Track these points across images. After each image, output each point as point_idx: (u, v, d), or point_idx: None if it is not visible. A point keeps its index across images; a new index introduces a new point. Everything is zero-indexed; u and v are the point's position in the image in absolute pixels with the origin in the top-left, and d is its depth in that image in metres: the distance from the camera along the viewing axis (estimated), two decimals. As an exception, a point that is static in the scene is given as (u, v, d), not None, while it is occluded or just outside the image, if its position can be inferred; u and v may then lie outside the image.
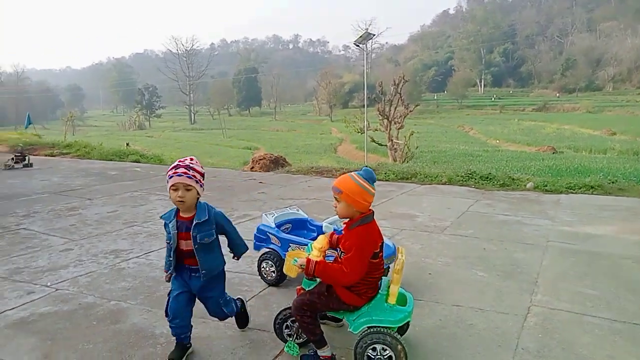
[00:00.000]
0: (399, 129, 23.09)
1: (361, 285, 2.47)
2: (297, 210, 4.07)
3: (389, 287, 2.50)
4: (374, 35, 30.21)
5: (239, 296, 2.99)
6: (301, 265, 2.41)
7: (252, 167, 11.88)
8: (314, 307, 2.52)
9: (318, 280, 2.52)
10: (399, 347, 2.36)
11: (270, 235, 3.72)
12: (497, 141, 39.56)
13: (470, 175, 8.43)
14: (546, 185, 7.76)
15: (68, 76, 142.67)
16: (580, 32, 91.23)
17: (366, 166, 2.61)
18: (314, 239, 3.13)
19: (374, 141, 22.91)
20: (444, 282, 3.76)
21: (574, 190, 7.56)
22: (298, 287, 2.67)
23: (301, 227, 3.96)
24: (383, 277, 2.61)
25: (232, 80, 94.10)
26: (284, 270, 2.56)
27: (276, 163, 12.19)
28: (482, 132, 46.27)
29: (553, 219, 5.77)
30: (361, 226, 2.43)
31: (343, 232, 2.56)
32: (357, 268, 2.38)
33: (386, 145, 23.11)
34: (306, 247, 2.77)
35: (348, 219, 2.49)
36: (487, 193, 7.51)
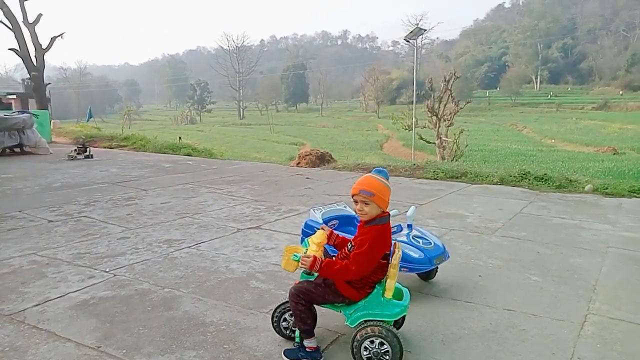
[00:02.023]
0: (448, 126, 22.55)
1: (362, 281, 2.50)
2: (345, 207, 4.07)
3: (385, 281, 2.52)
4: (425, 30, 29.60)
5: None
6: (302, 262, 2.44)
7: (299, 163, 11.98)
8: (310, 296, 2.54)
9: (316, 274, 2.54)
10: (395, 340, 2.38)
11: None
12: (553, 140, 37.84)
13: (524, 176, 8.11)
14: (606, 188, 7.35)
15: (126, 72, 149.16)
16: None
17: (376, 167, 2.62)
18: None
19: (421, 138, 22.49)
20: (494, 285, 3.65)
21: (638, 194, 7.11)
22: (296, 281, 2.69)
23: (348, 224, 3.95)
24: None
25: (281, 76, 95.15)
26: (283, 266, 2.60)
27: (322, 159, 12.23)
28: (537, 131, 44.38)
29: (614, 224, 5.46)
30: (378, 225, 2.47)
31: (357, 228, 2.58)
32: (365, 263, 2.42)
33: (434, 143, 22.64)
34: (303, 242, 2.77)
35: (364, 223, 2.52)
36: (541, 195, 7.20)
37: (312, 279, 2.61)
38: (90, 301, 3.29)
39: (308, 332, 2.56)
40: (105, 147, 14.21)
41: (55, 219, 5.57)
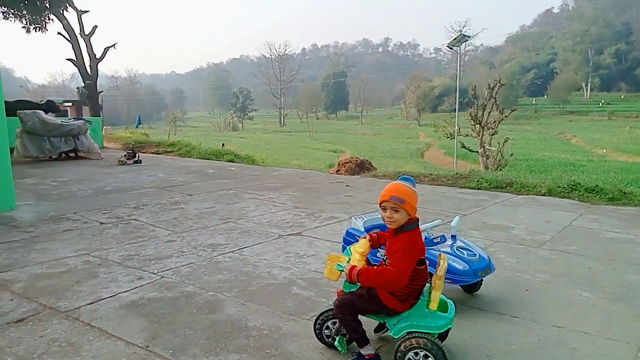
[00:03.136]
0: (492, 134, 21.98)
1: (404, 291, 2.47)
2: (387, 216, 4.04)
3: (430, 293, 2.48)
4: (469, 37, 29.11)
5: None
6: (345, 271, 2.47)
7: (338, 170, 11.99)
8: (354, 307, 2.53)
9: (359, 284, 2.52)
10: (440, 354, 2.33)
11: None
12: (604, 150, 36.14)
13: (574, 187, 7.78)
14: (665, 202, 6.94)
15: (172, 80, 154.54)
16: None
17: (400, 174, 2.59)
18: None
19: (464, 147, 22.05)
20: (542, 300, 3.52)
21: (700, 208, 6.67)
22: (338, 289, 2.69)
23: (390, 233, 3.93)
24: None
25: (321, 84, 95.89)
26: (326, 274, 2.62)
27: (362, 167, 12.20)
28: (587, 140, 42.54)
29: (673, 240, 5.15)
30: (408, 232, 2.46)
31: (387, 239, 2.57)
32: (404, 269, 2.39)
33: (477, 152, 22.12)
34: (345, 250, 2.76)
35: (392, 232, 2.51)
36: (593, 207, 6.89)
37: (355, 289, 2.60)
38: (139, 301, 3.42)
39: (361, 341, 2.56)
40: (152, 153, 14.76)
41: (106, 222, 5.83)
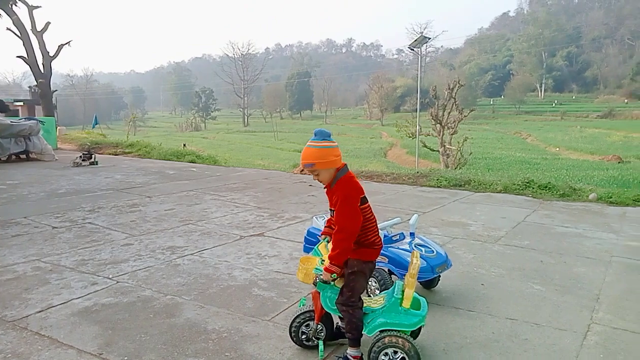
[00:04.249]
0: (452, 134, 22.56)
1: (366, 234, 2.53)
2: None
3: (403, 291, 2.51)
4: (430, 39, 29.72)
5: None
6: (324, 276, 2.49)
7: (302, 170, 12.01)
8: (357, 292, 2.54)
9: (332, 283, 2.53)
10: (413, 351, 2.37)
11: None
12: (557, 149, 37.74)
13: (528, 184, 8.09)
14: (611, 197, 7.32)
15: (132, 79, 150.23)
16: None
17: (315, 129, 2.64)
18: None
19: (425, 146, 22.52)
20: (497, 294, 3.64)
21: (643, 203, 7.07)
22: (313, 291, 2.68)
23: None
24: (399, 282, 2.65)
25: (285, 84, 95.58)
26: (300, 278, 2.62)
27: (326, 166, 12.27)
28: (541, 139, 44.28)
29: (618, 233, 5.43)
30: (340, 179, 2.52)
31: (326, 195, 2.63)
32: (350, 214, 2.45)
33: (438, 151, 22.65)
34: (313, 250, 2.77)
35: (328, 186, 2.58)
36: (545, 203, 7.18)
37: (328, 287, 2.58)
38: (92, 308, 3.30)
39: (357, 341, 2.56)
40: (110, 154, 14.30)
41: (59, 226, 5.60)
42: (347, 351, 2.57)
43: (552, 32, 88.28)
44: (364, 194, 2.57)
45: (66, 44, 20.55)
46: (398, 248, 3.48)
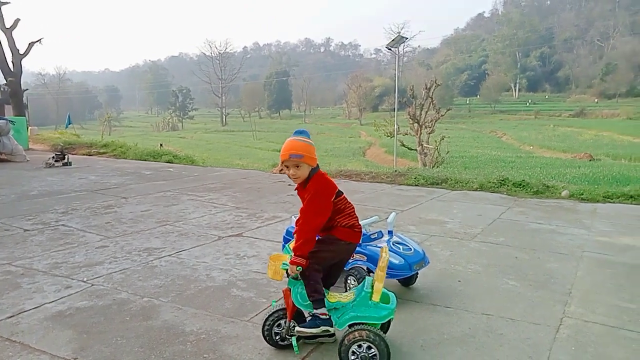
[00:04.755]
0: (429, 133, 22.83)
1: (344, 218, 2.63)
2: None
3: (373, 285, 2.56)
4: (407, 38, 30.00)
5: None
6: (290, 270, 2.53)
7: (281, 170, 11.98)
8: (320, 259, 2.61)
9: (301, 280, 2.59)
10: (383, 344, 2.42)
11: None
12: (531, 147, 38.59)
13: (503, 182, 8.25)
14: (582, 194, 7.52)
15: (106, 78, 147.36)
16: (622, 36, 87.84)
17: (297, 129, 2.73)
18: None
19: (403, 145, 22.73)
20: (473, 290, 3.70)
21: (612, 199, 7.30)
22: (284, 288, 2.70)
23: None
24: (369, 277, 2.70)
25: (264, 83, 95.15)
26: (270, 275, 2.65)
27: (305, 166, 12.27)
28: (516, 138, 45.21)
29: (589, 229, 5.59)
30: (314, 176, 2.59)
31: (298, 195, 2.68)
32: (318, 208, 2.53)
33: (416, 150, 22.88)
34: (285, 248, 2.83)
35: (301, 185, 2.63)
36: (520, 200, 7.34)
37: (299, 283, 2.61)
38: (66, 312, 3.23)
39: (320, 302, 2.60)
40: (84, 155, 13.98)
41: (31, 228, 5.45)
42: (315, 311, 2.61)
43: (526, 33, 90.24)
44: (337, 189, 2.64)
45: (37, 41, 19.99)
46: (377, 246, 3.50)
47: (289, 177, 2.65)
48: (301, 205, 2.65)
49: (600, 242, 5.05)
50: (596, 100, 72.17)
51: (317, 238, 2.64)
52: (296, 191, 2.70)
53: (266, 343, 2.74)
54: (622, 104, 66.87)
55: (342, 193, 2.68)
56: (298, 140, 2.60)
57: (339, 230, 2.64)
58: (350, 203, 2.73)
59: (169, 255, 4.49)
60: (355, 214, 2.72)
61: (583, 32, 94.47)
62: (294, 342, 2.64)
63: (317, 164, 2.66)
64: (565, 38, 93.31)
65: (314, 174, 2.61)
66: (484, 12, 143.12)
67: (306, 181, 2.61)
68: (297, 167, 2.57)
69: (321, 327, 2.59)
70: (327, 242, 2.65)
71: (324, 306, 2.61)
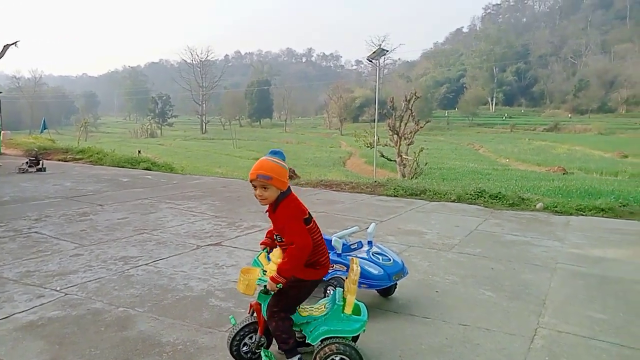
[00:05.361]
0: (408, 144, 23.09)
1: (312, 257, 2.51)
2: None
3: (345, 297, 2.56)
4: (387, 51, 30.40)
5: None
6: (269, 287, 2.45)
7: (252, 180, 11.94)
8: (285, 305, 2.53)
9: (272, 293, 2.52)
10: (355, 354, 2.43)
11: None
12: (507, 160, 39.36)
13: (480, 194, 8.40)
14: (556, 207, 7.71)
15: (84, 83, 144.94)
16: (594, 54, 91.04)
17: (272, 149, 2.65)
18: None
19: (383, 156, 22.91)
20: (451, 301, 3.74)
21: (584, 212, 7.50)
22: (252, 302, 2.66)
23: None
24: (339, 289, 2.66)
25: (245, 91, 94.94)
26: (242, 290, 2.55)
27: (285, 175, 12.25)
28: (492, 151, 46.09)
29: (562, 241, 5.73)
30: (284, 201, 2.50)
31: (269, 218, 2.58)
32: (301, 234, 2.44)
33: (395, 161, 23.11)
34: (253, 261, 2.75)
35: (271, 208, 2.55)
36: (496, 212, 7.47)
37: (269, 297, 2.57)
38: (38, 322, 3.14)
39: (291, 352, 2.53)
40: (59, 160, 13.67)
41: (2, 235, 5.30)
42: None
43: (503, 49, 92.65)
44: (307, 214, 2.56)
45: (13, 44, 19.55)
46: (356, 256, 3.52)
47: (255, 197, 2.53)
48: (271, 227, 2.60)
49: (573, 254, 5.18)
50: (569, 115, 74.35)
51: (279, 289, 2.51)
52: (267, 213, 2.60)
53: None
54: (593, 119, 69.08)
55: (312, 219, 2.58)
56: (270, 160, 2.49)
57: (302, 273, 2.52)
58: (320, 234, 2.62)
59: (145, 264, 4.41)
60: (322, 243, 2.61)
61: (557, 49, 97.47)
62: (264, 356, 2.58)
63: (289, 187, 2.55)
64: (540, 54, 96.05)
65: (284, 198, 2.51)
66: (462, 27, 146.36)
67: (275, 204, 2.51)
68: (265, 188, 2.46)
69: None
70: (291, 286, 2.51)
71: (298, 353, 2.55)
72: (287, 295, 2.52)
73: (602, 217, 7.30)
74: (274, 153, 2.56)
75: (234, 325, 2.68)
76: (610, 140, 49.86)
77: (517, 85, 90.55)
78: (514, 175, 26.67)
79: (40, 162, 11.20)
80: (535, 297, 3.86)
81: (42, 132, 21.48)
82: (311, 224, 2.56)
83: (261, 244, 2.77)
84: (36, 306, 3.40)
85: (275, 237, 2.62)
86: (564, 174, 28.37)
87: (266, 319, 2.55)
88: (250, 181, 2.51)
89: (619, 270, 4.66)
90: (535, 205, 7.88)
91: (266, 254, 2.69)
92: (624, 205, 7.90)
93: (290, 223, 2.46)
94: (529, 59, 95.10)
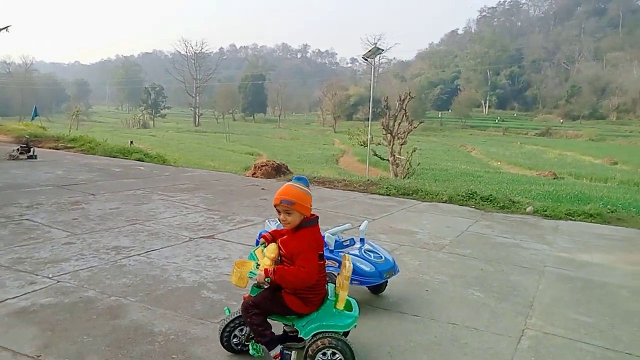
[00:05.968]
0: (402, 144, 23.16)
1: (307, 291, 2.54)
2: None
3: (337, 293, 2.60)
4: (383, 50, 30.43)
5: None
6: (262, 279, 2.47)
7: (254, 173, 11.92)
8: (259, 308, 2.56)
9: (265, 287, 2.56)
10: (347, 349, 2.47)
11: None
12: (499, 163, 39.64)
13: (471, 195, 8.48)
14: (546, 210, 7.81)
15: (76, 71, 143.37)
16: (587, 61, 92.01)
17: (297, 175, 2.72)
18: None
19: (376, 155, 22.99)
20: (440, 300, 3.80)
21: (573, 217, 7.60)
22: (245, 295, 2.70)
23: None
24: (330, 284, 2.73)
25: (239, 85, 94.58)
26: (234, 282, 2.58)
27: (278, 170, 12.24)
28: (484, 153, 46.38)
29: (551, 245, 5.82)
30: (307, 228, 2.54)
31: (280, 241, 2.61)
32: (313, 266, 2.48)
33: (388, 160, 23.18)
34: (250, 254, 2.77)
35: (291, 231, 2.58)
36: (486, 214, 7.56)
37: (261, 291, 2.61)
38: (30, 308, 3.15)
39: (269, 344, 2.57)
40: (50, 148, 13.54)
41: (-7, 221, 5.27)
42: (269, 353, 2.59)
43: (497, 52, 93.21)
44: (322, 250, 2.62)
45: (4, 29, 19.31)
46: (348, 253, 3.55)
47: (279, 221, 2.60)
48: (274, 217, 2.61)
49: (560, 258, 5.26)
50: (561, 120, 75.10)
51: (267, 284, 2.52)
52: (284, 236, 2.61)
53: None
54: (585, 125, 69.86)
55: (324, 259, 2.63)
56: (294, 186, 2.55)
57: (290, 298, 2.54)
58: (324, 273, 2.67)
59: (138, 255, 4.42)
60: (323, 284, 2.64)
61: (551, 55, 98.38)
62: (252, 349, 2.63)
63: (313, 215, 2.59)
64: (533, 59, 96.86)
65: (310, 226, 2.55)
66: (457, 29, 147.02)
67: (297, 228, 2.55)
68: (288, 213, 2.51)
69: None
70: (273, 302, 2.55)
71: (274, 346, 2.57)
72: (272, 301, 2.55)
73: (591, 222, 7.41)
74: (299, 179, 2.62)
75: (228, 316, 2.71)
76: (600, 147, 50.41)
77: (511, 88, 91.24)
78: (505, 178, 26.87)
79: (32, 149, 11.10)
80: (523, 299, 3.92)
81: (33, 119, 21.26)
82: (322, 262, 2.61)
83: (262, 238, 2.78)
84: (28, 292, 3.39)
85: (279, 259, 2.61)
86: (554, 178, 28.62)
87: (242, 312, 2.59)
88: (275, 206, 2.55)
89: (604, 275, 4.75)
90: (525, 209, 7.97)
91: (263, 248, 2.71)
92: (612, 212, 8.03)
93: (307, 250, 2.49)
94: (522, 63, 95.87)
